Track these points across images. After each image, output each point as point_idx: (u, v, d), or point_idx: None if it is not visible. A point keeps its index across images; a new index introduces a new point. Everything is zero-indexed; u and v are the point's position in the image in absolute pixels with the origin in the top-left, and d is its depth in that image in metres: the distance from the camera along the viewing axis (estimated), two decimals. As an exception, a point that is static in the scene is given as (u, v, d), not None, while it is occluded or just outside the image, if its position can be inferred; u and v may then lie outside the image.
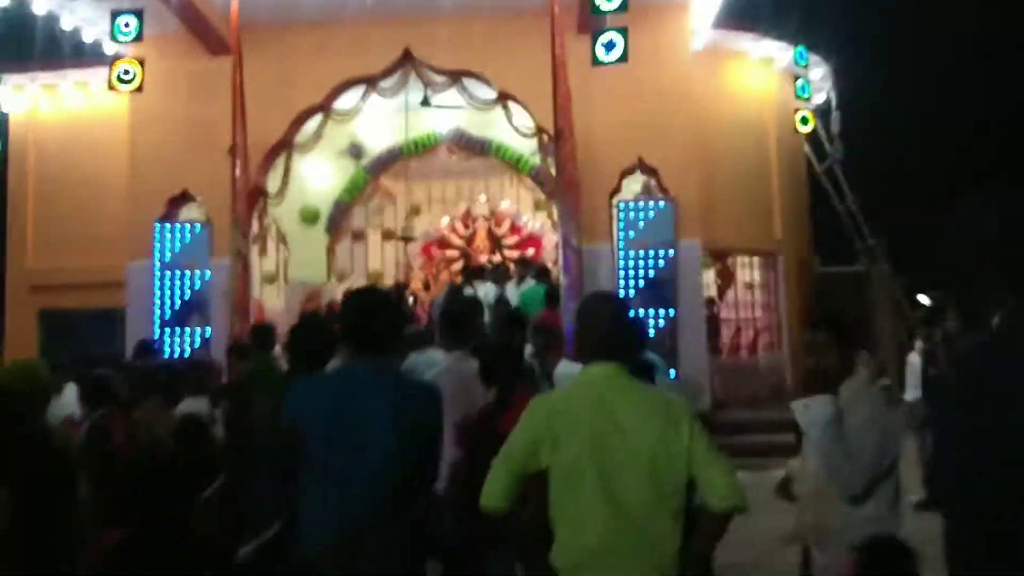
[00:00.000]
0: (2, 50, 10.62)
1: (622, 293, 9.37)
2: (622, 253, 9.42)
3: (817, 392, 3.03)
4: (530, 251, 15.52)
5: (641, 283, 9.38)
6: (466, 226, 16.12)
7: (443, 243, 15.92)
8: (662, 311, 9.28)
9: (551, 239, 15.69)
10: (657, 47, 9.35)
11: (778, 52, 11.29)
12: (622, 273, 9.41)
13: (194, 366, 5.57)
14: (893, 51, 16.13)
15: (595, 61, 7.66)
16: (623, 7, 7.40)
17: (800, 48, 11.09)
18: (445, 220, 15.88)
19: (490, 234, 16.00)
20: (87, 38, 9.86)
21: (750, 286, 11.38)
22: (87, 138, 11.09)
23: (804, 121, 10.92)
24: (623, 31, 7.55)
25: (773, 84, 11.50)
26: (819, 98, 12.56)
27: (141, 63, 8.20)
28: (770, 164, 11.42)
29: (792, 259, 11.55)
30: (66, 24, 9.56)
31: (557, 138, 8.41)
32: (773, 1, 10.65)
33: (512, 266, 13.08)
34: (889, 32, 16.81)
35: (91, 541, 2.84)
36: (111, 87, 8.19)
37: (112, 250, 10.21)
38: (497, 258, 15.37)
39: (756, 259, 11.39)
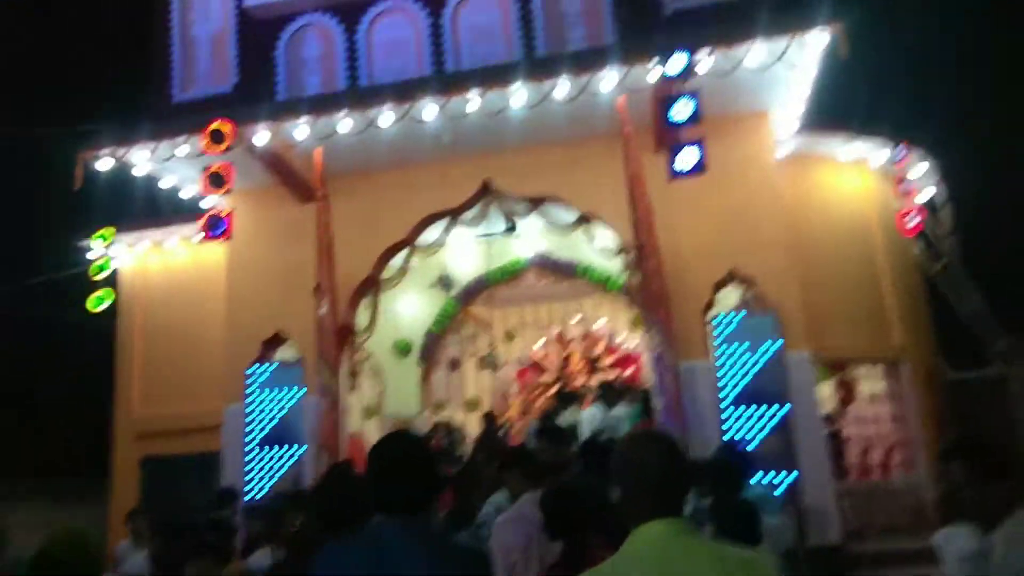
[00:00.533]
0: (110, 212, 11.44)
1: (727, 411, 8.69)
2: (723, 370, 8.79)
3: (955, 520, 2.52)
4: (628, 371, 14.98)
5: (747, 400, 8.65)
6: (561, 349, 15.80)
7: (537, 368, 15.60)
8: (772, 430, 8.48)
9: (649, 357, 15.11)
10: (740, 156, 9.09)
11: (871, 152, 10.77)
12: (725, 391, 8.74)
13: (265, 514, 5.29)
14: (998, 138, 15.23)
15: (673, 174, 7.41)
16: (695, 118, 7.20)
17: (898, 145, 10.55)
18: (539, 344, 15.65)
19: (586, 356, 15.60)
20: (185, 195, 10.49)
21: (874, 398, 10.38)
22: (190, 289, 11.61)
23: (910, 220, 10.22)
24: (699, 143, 7.32)
25: (871, 185, 10.92)
26: (925, 195, 11.81)
27: (229, 214, 8.55)
28: (879, 267, 10.66)
29: (918, 365, 10.53)
30: (164, 184, 10.24)
31: (640, 254, 8.10)
32: (863, 100, 10.21)
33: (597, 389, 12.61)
34: (993, 118, 15.97)
35: None
36: (204, 238, 8.54)
37: (211, 395, 10.40)
38: (594, 381, 14.91)
39: (879, 368, 10.43)
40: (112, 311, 11.82)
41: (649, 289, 8.15)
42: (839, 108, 10.22)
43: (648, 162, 8.63)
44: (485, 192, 9.96)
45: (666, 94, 7.44)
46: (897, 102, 11.09)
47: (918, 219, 10.29)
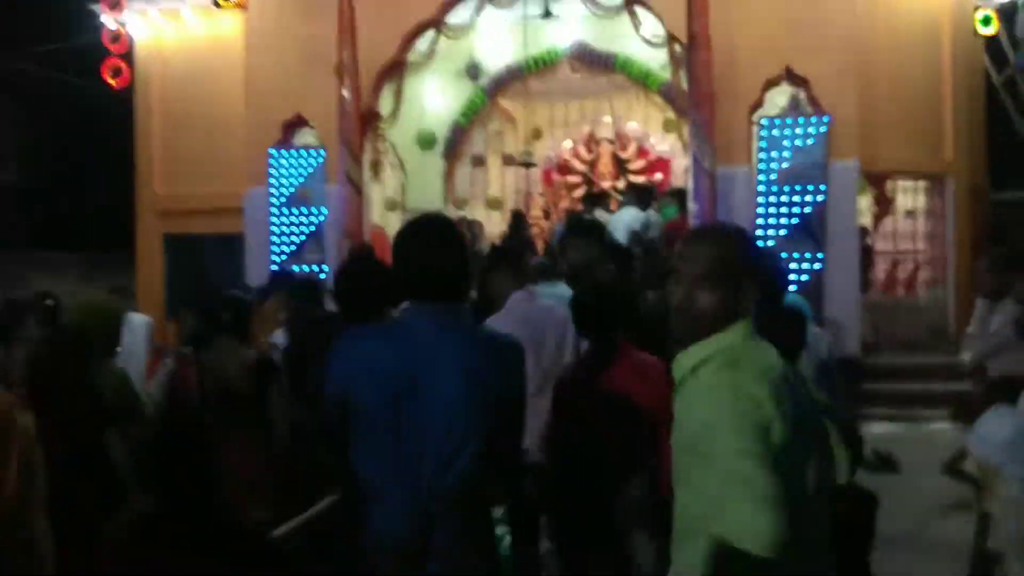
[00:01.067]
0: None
1: (761, 220, 8.39)
2: (763, 177, 8.37)
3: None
4: (658, 176, 14.54)
5: (786, 217, 8.32)
6: (589, 150, 15.29)
7: (564, 168, 15.19)
8: (811, 245, 8.22)
9: (681, 163, 14.54)
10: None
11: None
12: (762, 200, 8.38)
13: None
14: None
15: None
16: None
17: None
18: (567, 144, 15.12)
19: (615, 158, 15.11)
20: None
21: (912, 213, 9.99)
22: (209, 64, 10.98)
23: (986, 22, 9.29)
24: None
25: (950, -22, 9.78)
26: None
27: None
28: (942, 74, 9.81)
29: (963, 184, 10.02)
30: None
31: (691, 45, 7.43)
32: None
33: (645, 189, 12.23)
34: None
35: (122, 506, 2.49)
36: (216, 3, 7.86)
37: (233, 176, 10.18)
38: (622, 184, 14.52)
39: (921, 183, 9.95)
40: (130, 84, 11.36)
41: (696, 85, 7.55)
42: None
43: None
44: (522, -33, 9.05)
45: None
46: None
47: (994, 22, 9.30)
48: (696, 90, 7.67)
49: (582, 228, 5.62)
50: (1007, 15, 10.61)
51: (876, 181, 9.96)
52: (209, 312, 3.71)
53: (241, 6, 8.01)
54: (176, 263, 10.88)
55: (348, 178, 8.87)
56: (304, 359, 3.33)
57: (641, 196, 8.85)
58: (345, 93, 8.51)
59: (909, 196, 9.99)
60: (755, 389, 1.63)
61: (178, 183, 11.07)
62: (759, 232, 8.37)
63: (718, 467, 1.58)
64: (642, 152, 15.01)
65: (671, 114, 14.32)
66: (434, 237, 2.10)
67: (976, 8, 9.15)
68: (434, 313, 2.07)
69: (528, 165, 13.85)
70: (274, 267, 9.54)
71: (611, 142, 15.08)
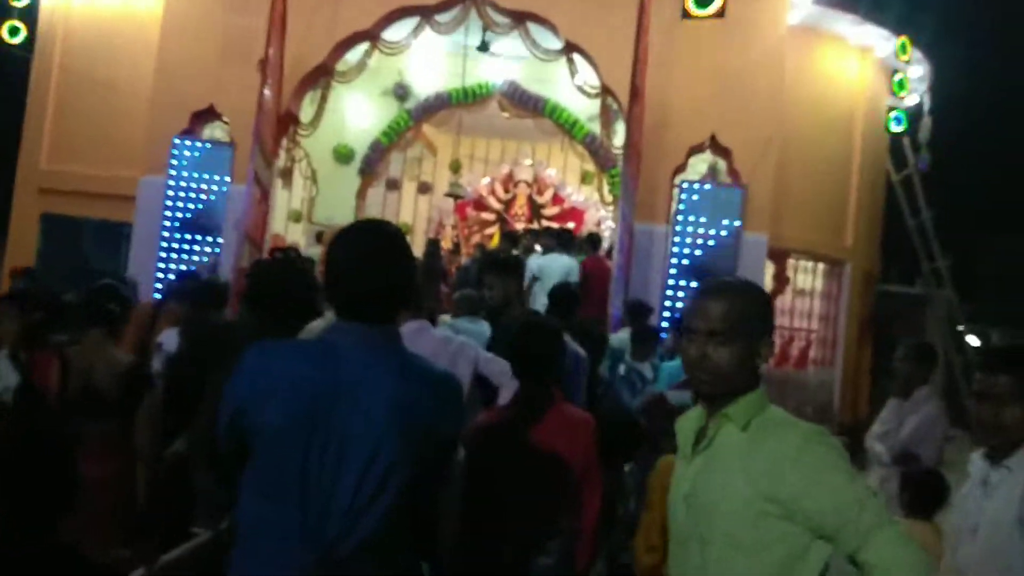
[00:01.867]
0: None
1: (672, 280, 8.44)
2: (678, 239, 8.44)
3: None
4: (570, 224, 14.61)
5: (694, 272, 8.40)
6: (506, 189, 15.25)
7: (480, 204, 15.06)
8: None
9: (594, 215, 14.75)
10: (750, 14, 8.30)
11: (879, 40, 10.12)
12: (675, 261, 8.44)
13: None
14: (1003, 58, 14.77)
15: (686, 14, 6.65)
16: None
17: (903, 41, 9.94)
18: (485, 180, 15.03)
19: (531, 201, 15.11)
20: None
21: (806, 293, 10.34)
22: (119, 38, 10.26)
23: (898, 122, 9.82)
24: (721, -19, 6.53)
25: (868, 76, 10.35)
26: (911, 100, 11.35)
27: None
28: (851, 164, 10.32)
29: (860, 270, 10.50)
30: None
31: (632, 98, 7.44)
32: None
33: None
34: (1000, 36, 15.42)
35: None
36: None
37: (129, 161, 9.45)
38: (535, 226, 14.50)
39: (820, 265, 10.32)
40: (28, 47, 10.44)
41: (630, 138, 7.55)
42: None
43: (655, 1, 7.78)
44: (467, -5, 8.92)
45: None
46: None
47: (905, 122, 9.88)
48: (629, 143, 7.66)
49: (502, 264, 5.40)
50: (911, 119, 11.33)
51: (777, 257, 10.28)
52: (88, 302, 3.22)
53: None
54: (51, 246, 9.94)
55: (257, 179, 8.36)
56: (197, 367, 2.92)
57: (568, 242, 8.77)
58: (267, 91, 8.05)
59: (807, 276, 10.33)
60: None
61: (65, 160, 10.18)
62: (668, 292, 8.42)
63: (866, 517, 1.59)
64: (557, 199, 15.09)
65: (589, 166, 14.57)
66: (381, 247, 1.81)
67: (890, 108, 9.66)
68: (365, 334, 1.77)
69: (458, 198, 13.62)
70: (160, 262, 8.87)
71: (529, 185, 15.10)
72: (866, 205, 10.69)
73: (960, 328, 13.90)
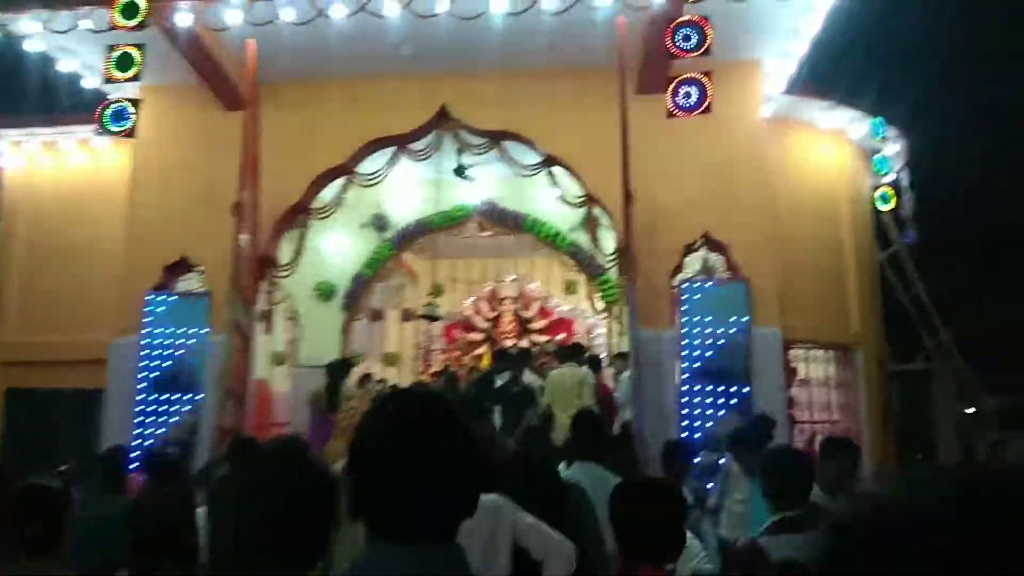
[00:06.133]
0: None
1: (685, 386, 7.97)
2: (686, 340, 8.04)
3: None
4: (560, 336, 14.21)
5: (709, 375, 7.95)
6: (492, 308, 14.90)
7: (467, 325, 14.65)
8: (734, 412, 7.81)
9: (583, 324, 14.39)
10: (727, 109, 8.20)
11: (851, 123, 10.16)
12: (686, 364, 8.01)
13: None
14: (973, 126, 15.03)
15: (676, 110, 6.49)
16: (703, 46, 6.27)
17: (878, 120, 9.98)
18: (468, 301, 14.70)
19: (517, 317, 14.75)
20: (87, 84, 8.84)
21: (824, 384, 9.88)
22: (86, 201, 10.01)
23: (884, 200, 9.71)
24: (704, 78, 6.41)
25: (846, 158, 10.32)
26: (888, 178, 11.33)
27: (135, 103, 7.09)
28: (843, 248, 10.11)
29: (870, 355, 10.11)
30: (63, 68, 8.56)
31: (627, 202, 7.18)
32: (849, 68, 9.55)
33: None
34: (971, 107, 15.77)
35: None
36: (100, 131, 7.05)
37: (100, 324, 8.95)
38: (524, 343, 14.09)
39: (830, 353, 9.92)
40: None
41: (629, 244, 7.26)
42: (825, 72, 9.51)
43: (631, 105, 7.69)
44: (441, 119, 8.82)
45: (671, 18, 6.47)
46: (878, 77, 10.47)
47: (892, 199, 9.77)
48: (628, 249, 7.36)
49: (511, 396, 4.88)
50: (897, 192, 11.26)
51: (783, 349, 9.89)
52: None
53: (128, 135, 7.21)
54: (17, 421, 9.26)
55: (238, 327, 7.89)
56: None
57: (579, 354, 8.35)
58: (242, 236, 7.70)
59: (818, 365, 9.91)
60: None
61: (33, 331, 9.66)
62: (683, 399, 7.94)
63: None
64: (544, 312, 14.74)
65: (572, 276, 14.32)
66: (430, 418, 1.31)
67: (875, 188, 9.57)
68: (414, 559, 1.22)
69: (434, 319, 13.21)
70: (137, 427, 8.24)
71: (514, 300, 14.78)
72: (865, 287, 10.43)
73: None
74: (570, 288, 14.89)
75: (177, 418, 8.34)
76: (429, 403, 1.36)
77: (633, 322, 7.25)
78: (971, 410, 13.74)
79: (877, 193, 9.68)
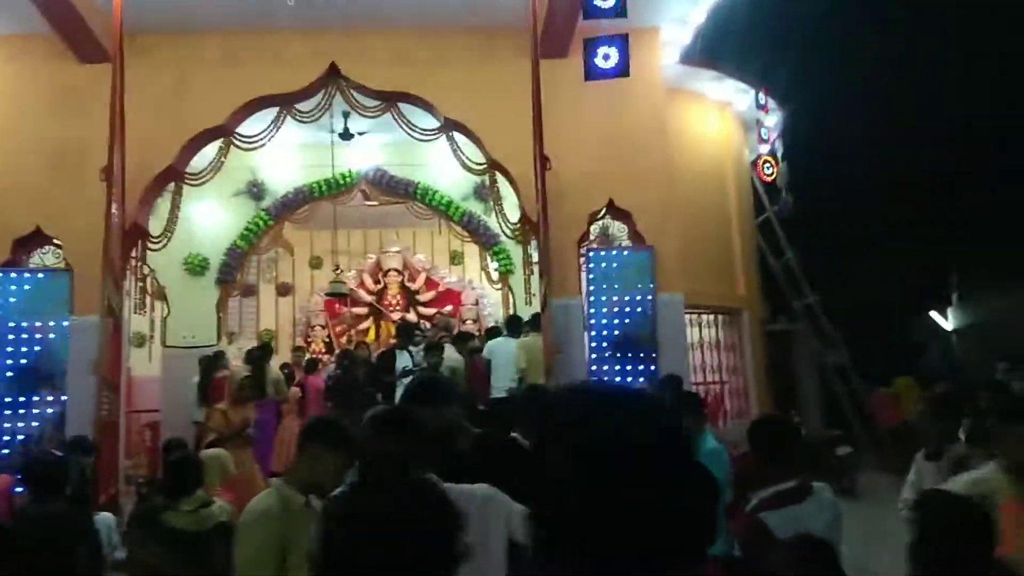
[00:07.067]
0: None
1: (594, 355, 7.95)
2: (593, 309, 8.00)
3: None
4: (448, 308, 13.94)
5: (615, 343, 7.97)
6: (376, 280, 14.38)
7: (351, 299, 14.05)
8: (641, 377, 7.87)
9: (471, 295, 14.17)
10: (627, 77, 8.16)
11: (736, 95, 10.44)
12: (594, 333, 7.97)
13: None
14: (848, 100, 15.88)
15: (589, 75, 6.30)
16: (622, 12, 6.10)
17: (759, 92, 10.30)
18: (350, 274, 14.09)
19: (403, 289, 14.32)
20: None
21: (713, 346, 10.19)
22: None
23: (768, 168, 10.05)
24: (623, 39, 6.26)
25: (730, 128, 10.61)
26: (763, 147, 11.79)
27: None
28: (730, 215, 10.44)
29: (754, 317, 10.53)
30: None
31: (542, 167, 6.96)
32: (735, 40, 9.73)
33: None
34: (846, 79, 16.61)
35: None
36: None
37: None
38: (411, 316, 13.71)
39: (720, 317, 10.25)
40: None
41: (542, 212, 7.05)
42: (712, 43, 9.65)
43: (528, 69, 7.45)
44: (330, 78, 8.22)
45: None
46: (766, 46, 10.79)
47: (773, 168, 10.15)
48: (543, 216, 7.15)
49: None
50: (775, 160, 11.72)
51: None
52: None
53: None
54: None
55: (110, 309, 7.05)
56: None
57: (516, 325, 8.31)
58: (115, 207, 6.85)
59: (710, 329, 10.21)
60: None
61: None
62: (592, 367, 7.92)
63: None
64: (431, 283, 14.41)
65: (457, 246, 14.04)
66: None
67: (761, 158, 9.88)
68: None
69: (341, 295, 12.58)
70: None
71: (399, 272, 14.33)
72: (748, 252, 10.83)
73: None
74: (455, 259, 14.63)
75: (35, 424, 7.37)
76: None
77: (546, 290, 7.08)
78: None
79: (761, 162, 10.02)
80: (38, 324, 7.55)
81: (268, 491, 2.98)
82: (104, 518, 4.01)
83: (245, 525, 2.95)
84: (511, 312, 10.69)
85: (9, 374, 7.42)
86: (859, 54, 16.31)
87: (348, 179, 10.98)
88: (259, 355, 9.21)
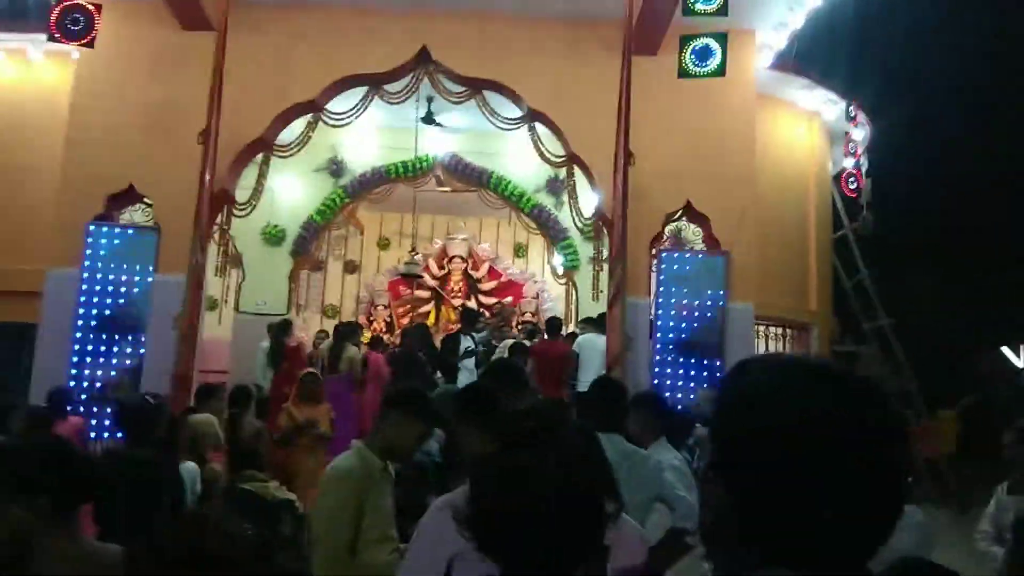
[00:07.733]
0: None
1: (657, 356, 7.89)
2: (662, 311, 7.94)
3: None
4: (508, 299, 14.01)
5: (680, 346, 7.89)
6: (440, 266, 14.52)
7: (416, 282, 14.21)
8: (704, 383, 7.77)
9: (532, 287, 14.20)
10: (719, 78, 8.05)
11: (825, 105, 10.20)
12: (660, 335, 7.91)
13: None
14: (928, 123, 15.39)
15: (683, 72, 6.24)
16: (723, 10, 6.02)
17: (850, 105, 10.05)
18: (418, 257, 14.26)
19: (466, 276, 14.44)
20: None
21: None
22: (20, 118, 9.08)
23: (852, 183, 9.81)
24: (722, 37, 6.17)
25: (816, 138, 10.38)
26: (848, 162, 11.49)
27: (98, 8, 6.31)
28: (808, 228, 10.23)
29: (823, 334, 10.31)
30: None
31: (626, 162, 6.93)
32: (829, 49, 9.51)
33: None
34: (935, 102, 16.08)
35: None
36: (53, 37, 6.26)
37: (33, 254, 8.16)
38: (472, 303, 13.81)
39: (789, 331, 10.05)
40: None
41: (623, 209, 7.02)
42: (807, 49, 9.45)
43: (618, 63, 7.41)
44: (421, 61, 8.32)
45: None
46: (855, 60, 10.52)
47: (858, 183, 9.90)
48: (623, 214, 7.12)
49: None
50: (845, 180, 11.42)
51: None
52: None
53: (88, 45, 6.45)
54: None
55: (194, 269, 7.30)
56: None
57: (601, 322, 8.30)
58: (207, 170, 7.08)
59: (777, 343, 10.03)
60: None
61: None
62: (655, 369, 7.87)
63: None
64: (493, 273, 14.49)
65: (522, 238, 14.09)
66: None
67: (845, 172, 9.64)
68: None
69: (416, 277, 12.73)
70: (73, 368, 7.56)
71: (463, 259, 14.45)
72: (823, 268, 10.60)
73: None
74: (519, 251, 14.69)
75: (113, 373, 7.68)
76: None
77: (620, 288, 7.05)
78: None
79: (846, 176, 9.78)
80: (124, 278, 7.87)
81: (350, 452, 3.06)
82: (189, 468, 4.15)
83: (329, 481, 3.03)
84: (572, 307, 10.69)
85: (93, 323, 7.75)
86: (961, 74, 15.75)
87: (425, 163, 11.11)
88: (346, 332, 9.42)
